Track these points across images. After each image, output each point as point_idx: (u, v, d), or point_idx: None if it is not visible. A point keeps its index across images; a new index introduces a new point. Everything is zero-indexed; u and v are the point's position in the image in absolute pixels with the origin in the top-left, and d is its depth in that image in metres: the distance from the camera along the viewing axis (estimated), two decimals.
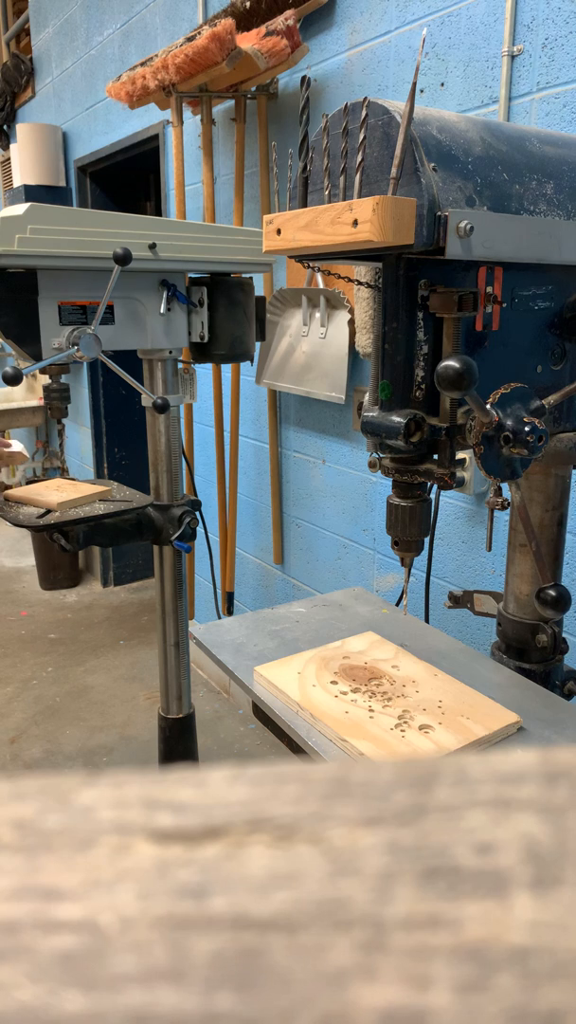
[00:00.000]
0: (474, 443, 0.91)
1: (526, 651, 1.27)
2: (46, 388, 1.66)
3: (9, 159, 4.58)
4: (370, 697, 1.11)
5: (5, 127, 4.97)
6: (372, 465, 1.03)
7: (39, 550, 4.30)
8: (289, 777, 0.20)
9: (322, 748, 1.02)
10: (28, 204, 1.43)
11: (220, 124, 2.66)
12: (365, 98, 0.88)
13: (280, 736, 1.14)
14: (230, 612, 3.00)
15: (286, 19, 2.14)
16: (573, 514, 1.54)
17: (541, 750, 0.20)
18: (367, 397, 1.00)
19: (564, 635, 1.29)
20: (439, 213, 0.83)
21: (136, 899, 0.16)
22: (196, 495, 2.05)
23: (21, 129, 4.07)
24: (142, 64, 2.53)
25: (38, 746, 2.94)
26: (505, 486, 1.02)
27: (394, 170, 0.82)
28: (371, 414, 0.94)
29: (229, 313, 1.80)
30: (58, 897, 0.17)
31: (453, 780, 0.19)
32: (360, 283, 1.11)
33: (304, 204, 0.96)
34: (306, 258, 1.01)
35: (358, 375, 2.28)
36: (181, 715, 2.09)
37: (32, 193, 4.01)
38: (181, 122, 2.57)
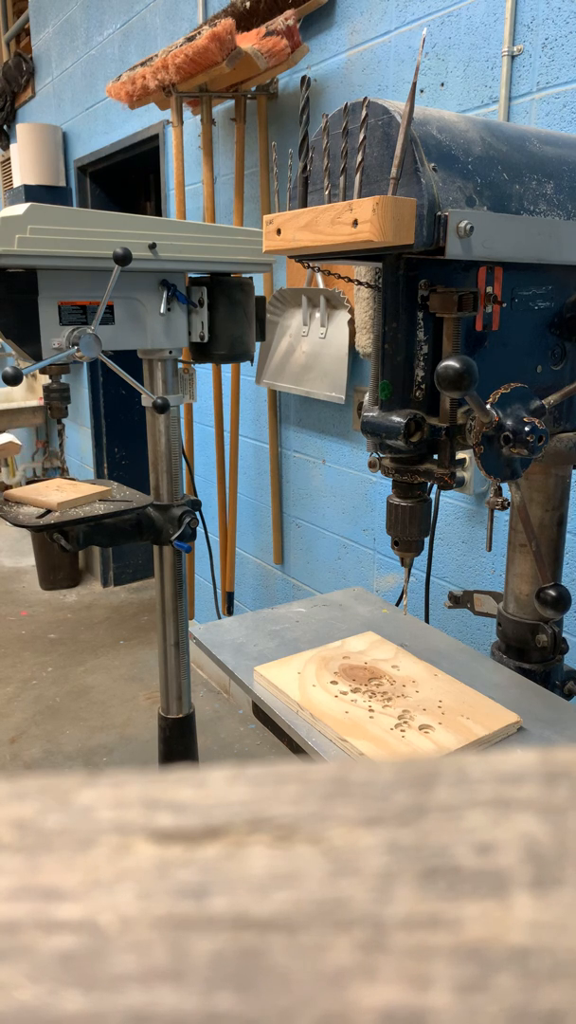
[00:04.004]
0: (474, 443, 0.91)
1: (526, 651, 1.27)
2: (46, 388, 1.66)
3: (9, 159, 4.58)
4: (370, 697, 1.11)
5: (5, 127, 4.97)
6: (372, 465, 1.03)
7: (39, 550, 4.30)
8: (289, 777, 0.20)
9: (322, 748, 1.02)
10: (28, 204, 1.43)
11: (220, 124, 2.66)
12: (365, 98, 0.88)
13: (280, 736, 1.14)
14: (230, 612, 3.00)
15: (286, 19, 2.14)
16: (573, 514, 1.54)
17: (541, 750, 0.20)
18: (367, 397, 1.00)
19: (564, 635, 1.29)
20: (439, 213, 0.83)
21: (136, 899, 0.16)
22: (196, 495, 2.05)
23: (21, 129, 4.07)
24: (142, 64, 2.53)
25: (38, 746, 2.94)
26: (505, 486, 1.02)
27: (394, 170, 0.82)
28: (371, 414, 0.94)
29: (229, 313, 1.80)
30: (58, 897, 0.17)
31: (453, 780, 0.19)
32: (360, 283, 1.11)
33: (304, 204, 0.96)
34: (306, 258, 1.01)
35: (358, 375, 2.28)
36: (181, 715, 2.09)
37: (32, 193, 4.01)
38: (181, 122, 2.57)
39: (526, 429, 0.89)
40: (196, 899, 0.16)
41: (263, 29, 2.17)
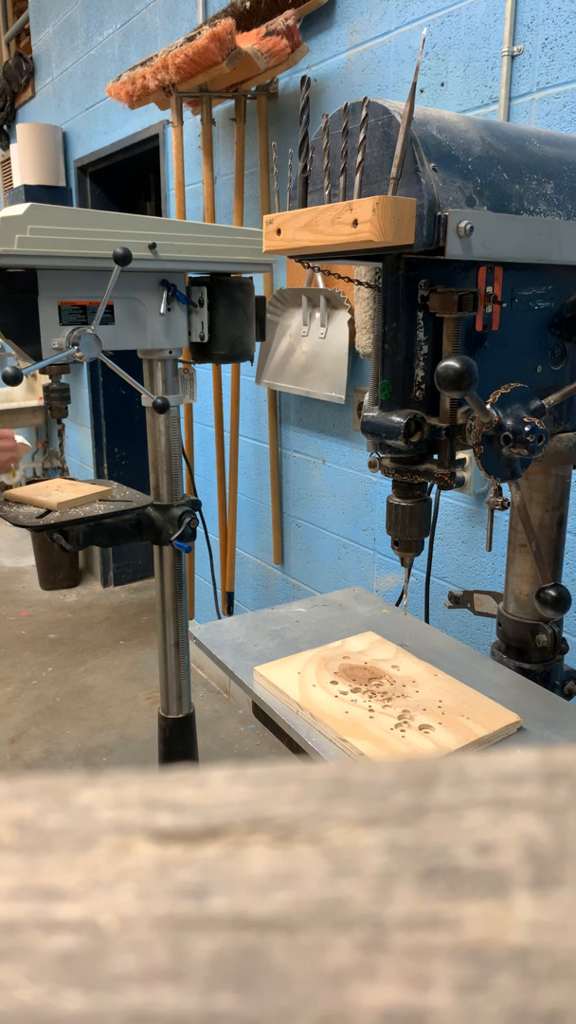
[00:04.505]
0: (474, 443, 0.91)
1: (526, 651, 1.27)
2: (46, 388, 1.66)
3: (9, 159, 4.58)
4: (370, 697, 1.11)
5: (5, 127, 4.97)
6: (372, 465, 1.03)
7: (39, 550, 4.30)
8: (289, 777, 0.20)
9: (322, 748, 1.02)
10: (28, 204, 1.43)
11: (220, 124, 2.66)
12: (365, 98, 0.88)
13: (280, 736, 1.14)
14: (230, 612, 3.00)
15: (286, 19, 2.14)
16: (573, 514, 1.54)
17: (541, 750, 0.20)
18: (367, 397, 1.00)
19: (564, 635, 1.29)
20: (439, 213, 0.83)
21: (136, 899, 0.16)
22: (196, 495, 2.05)
23: (21, 129, 4.07)
24: (142, 64, 2.53)
25: (38, 746, 2.94)
26: (505, 486, 1.02)
27: (394, 170, 0.82)
28: (371, 414, 0.94)
29: (229, 313, 1.80)
30: (58, 897, 0.17)
31: (453, 780, 0.19)
32: (360, 283, 1.11)
33: (304, 204, 0.96)
34: (306, 258, 1.01)
35: (358, 375, 2.28)
36: (181, 715, 2.09)
37: (32, 193, 4.01)
38: (181, 122, 2.57)
39: (526, 429, 0.89)
40: (196, 899, 0.16)
41: (263, 29, 2.17)
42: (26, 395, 4.76)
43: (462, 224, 0.83)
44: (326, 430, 2.49)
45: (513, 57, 1.69)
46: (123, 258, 1.43)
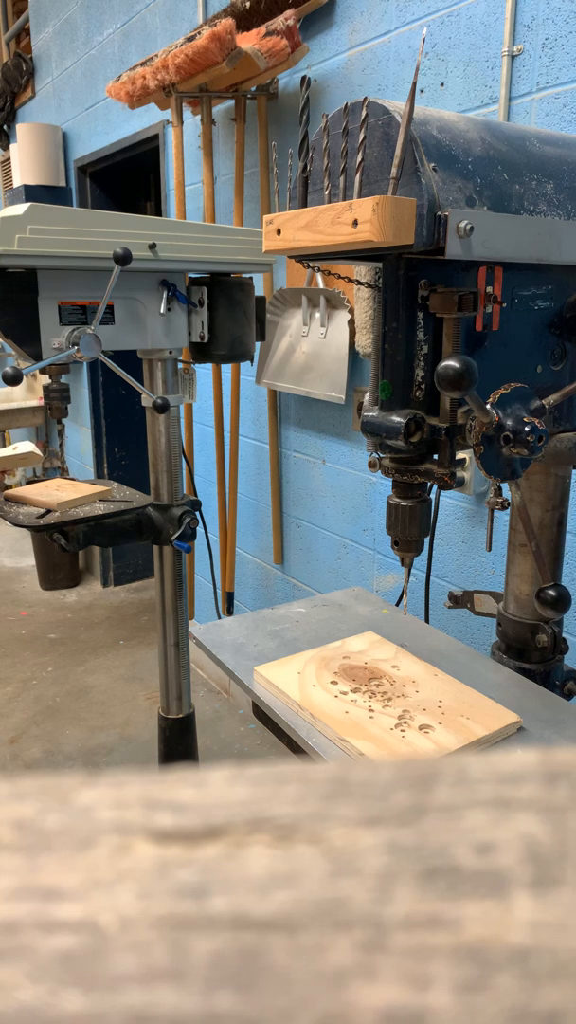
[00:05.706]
0: (474, 443, 0.91)
1: (526, 651, 1.27)
2: (46, 388, 1.66)
3: (9, 159, 4.58)
4: (370, 697, 1.11)
5: (5, 127, 4.97)
6: (372, 465, 1.03)
7: (39, 550, 4.30)
8: (289, 777, 0.20)
9: (322, 748, 1.02)
10: (28, 204, 1.43)
11: (220, 124, 2.66)
12: (365, 98, 0.88)
13: (280, 736, 1.14)
14: (230, 612, 3.00)
15: (286, 19, 2.14)
16: (573, 514, 1.54)
17: (541, 750, 0.20)
18: (367, 397, 1.00)
19: (564, 635, 1.29)
20: (439, 213, 0.83)
21: (136, 899, 0.16)
22: (196, 495, 2.05)
23: (21, 129, 4.07)
24: (142, 64, 2.53)
25: (38, 746, 2.94)
26: (505, 486, 1.02)
27: (394, 170, 0.82)
28: (371, 414, 0.94)
29: (229, 313, 1.80)
30: (58, 897, 0.17)
31: (453, 780, 0.19)
32: (360, 283, 1.11)
33: (304, 204, 0.96)
34: (306, 258, 1.01)
35: (358, 375, 2.28)
36: (181, 715, 2.09)
37: (32, 193, 4.01)
38: (181, 122, 2.57)
39: (526, 429, 0.89)
40: (196, 899, 0.16)
41: (263, 29, 2.17)
42: (26, 395, 4.76)
43: (462, 224, 0.83)
44: (326, 430, 2.49)
45: (513, 57, 1.69)
46: (123, 258, 1.43)
